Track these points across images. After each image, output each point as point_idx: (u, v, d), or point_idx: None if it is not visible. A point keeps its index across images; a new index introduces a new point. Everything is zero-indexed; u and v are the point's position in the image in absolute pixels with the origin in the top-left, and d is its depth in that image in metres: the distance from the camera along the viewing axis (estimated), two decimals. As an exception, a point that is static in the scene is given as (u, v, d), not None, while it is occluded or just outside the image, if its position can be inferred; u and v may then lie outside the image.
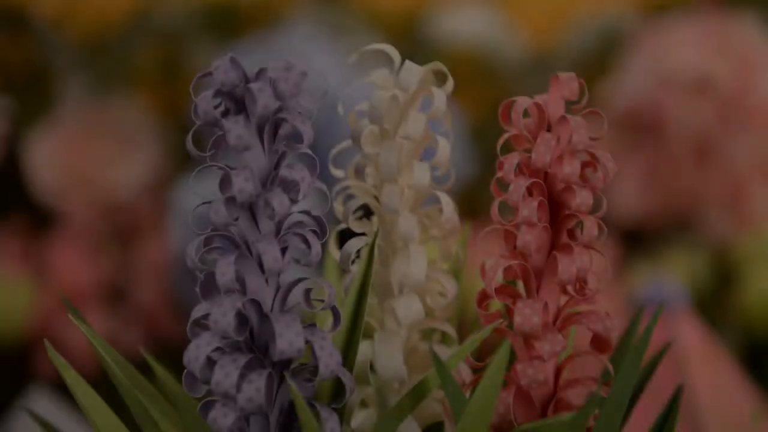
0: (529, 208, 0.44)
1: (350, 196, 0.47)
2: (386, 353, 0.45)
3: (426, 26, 1.32)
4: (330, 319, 0.44)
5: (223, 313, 0.41)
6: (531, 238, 0.44)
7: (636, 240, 1.21)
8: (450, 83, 0.47)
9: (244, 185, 0.42)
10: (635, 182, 1.18)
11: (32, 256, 1.18)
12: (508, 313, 0.45)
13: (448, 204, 0.46)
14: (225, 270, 0.42)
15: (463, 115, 1.20)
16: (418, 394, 0.43)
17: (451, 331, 0.47)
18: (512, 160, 0.45)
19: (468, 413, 0.41)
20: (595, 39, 1.29)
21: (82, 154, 1.20)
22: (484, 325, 0.45)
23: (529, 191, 0.45)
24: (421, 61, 0.48)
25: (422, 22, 1.35)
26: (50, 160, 1.20)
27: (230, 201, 0.42)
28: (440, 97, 0.46)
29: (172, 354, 1.10)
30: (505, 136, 0.46)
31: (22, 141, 1.22)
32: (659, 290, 0.85)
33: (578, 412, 0.42)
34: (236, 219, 0.43)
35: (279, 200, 0.42)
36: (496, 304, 0.46)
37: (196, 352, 0.42)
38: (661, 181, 1.17)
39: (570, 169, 0.45)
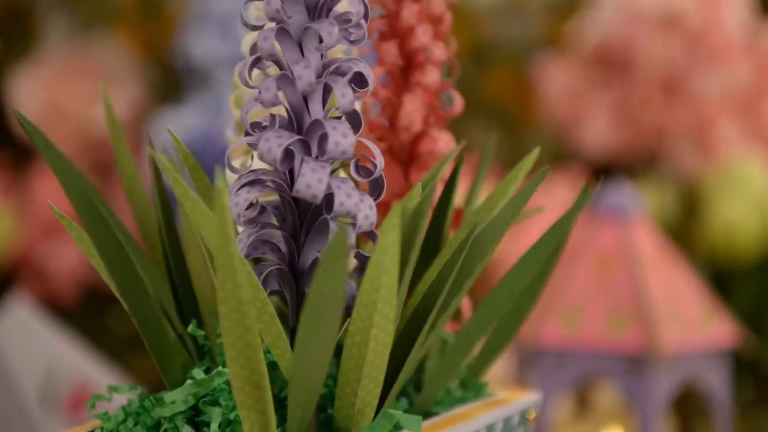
0: (440, 48, 0.50)
1: None
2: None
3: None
4: None
5: (344, 132, 0.43)
6: (437, 75, 0.51)
7: (606, 175, 1.23)
8: None
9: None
10: (605, 118, 1.20)
11: (15, 189, 1.20)
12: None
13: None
14: (345, 92, 0.43)
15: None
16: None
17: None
18: (412, 7, 0.50)
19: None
20: (566, -22, 1.32)
21: (63, 91, 1.23)
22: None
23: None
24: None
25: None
26: (32, 97, 1.22)
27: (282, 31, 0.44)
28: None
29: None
30: None
31: (5, 79, 1.25)
32: (617, 198, 0.87)
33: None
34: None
35: (328, 31, 0.44)
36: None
37: (270, 144, 0.43)
38: (630, 116, 1.20)
39: (449, 18, 0.53)
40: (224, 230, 0.38)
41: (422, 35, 0.50)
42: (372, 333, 0.41)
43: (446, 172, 0.51)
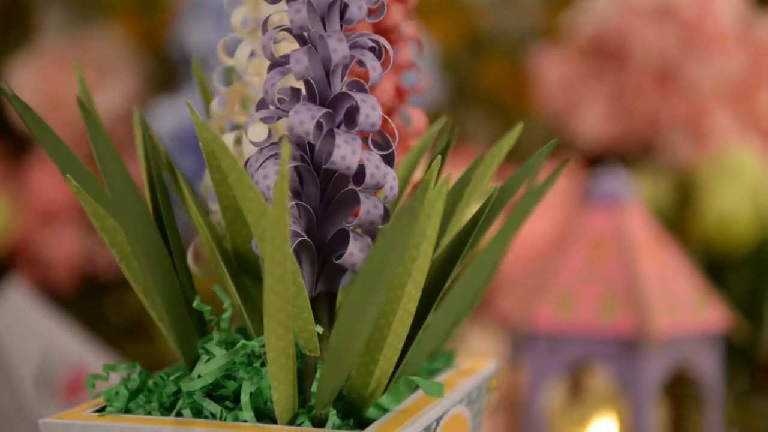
0: (410, 27, 0.53)
1: None
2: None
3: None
4: None
5: (373, 105, 0.44)
6: (408, 53, 0.54)
7: (601, 165, 1.24)
8: None
9: None
10: (600, 108, 1.21)
11: (12, 178, 1.21)
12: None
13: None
14: (375, 65, 0.44)
15: (433, 46, 1.23)
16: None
17: None
18: None
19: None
20: (560, -31, 1.32)
21: (60, 82, 1.23)
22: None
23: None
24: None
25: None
26: (30, 87, 1.23)
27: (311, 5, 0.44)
28: None
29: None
30: None
31: (3, 69, 1.25)
32: (611, 185, 0.88)
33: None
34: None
35: (358, 5, 0.44)
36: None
37: (302, 116, 0.43)
38: (625, 106, 1.20)
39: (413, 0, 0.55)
40: (282, 200, 0.38)
41: (396, 13, 0.52)
42: (402, 302, 0.41)
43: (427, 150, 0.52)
